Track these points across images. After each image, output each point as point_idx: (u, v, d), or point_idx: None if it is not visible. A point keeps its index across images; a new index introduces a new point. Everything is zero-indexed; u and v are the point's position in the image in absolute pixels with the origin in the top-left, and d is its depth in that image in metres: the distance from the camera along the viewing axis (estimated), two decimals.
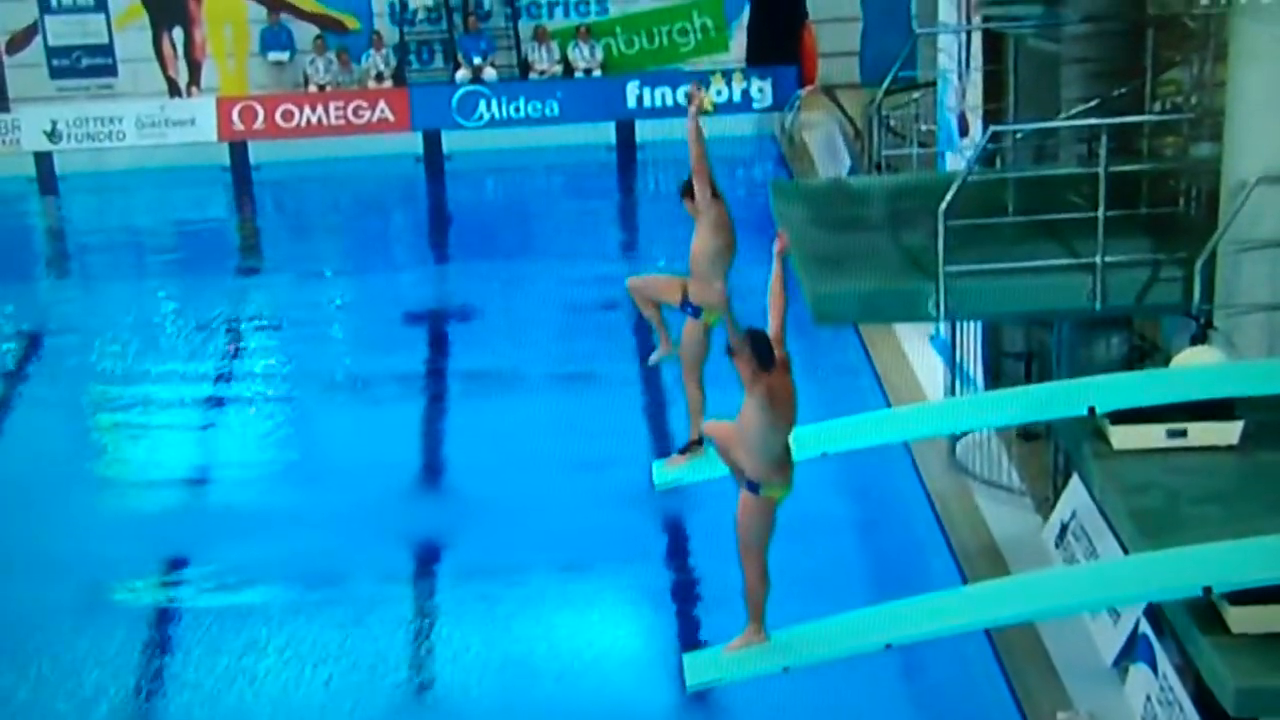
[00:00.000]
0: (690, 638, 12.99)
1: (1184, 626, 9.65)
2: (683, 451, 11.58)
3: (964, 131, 15.52)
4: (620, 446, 16.15)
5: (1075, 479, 12.59)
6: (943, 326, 15.10)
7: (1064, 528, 12.70)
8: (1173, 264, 11.79)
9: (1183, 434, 11.04)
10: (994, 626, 10.77)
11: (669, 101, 24.91)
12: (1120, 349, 13.44)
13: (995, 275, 11.95)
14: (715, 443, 10.13)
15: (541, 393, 17.70)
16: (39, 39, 26.22)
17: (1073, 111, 12.97)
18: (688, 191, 11.47)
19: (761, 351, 9.49)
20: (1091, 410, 11.17)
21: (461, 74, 25.65)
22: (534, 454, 16.03)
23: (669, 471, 11.65)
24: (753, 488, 9.59)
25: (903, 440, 13.46)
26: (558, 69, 25.97)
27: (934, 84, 17.15)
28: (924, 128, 18.13)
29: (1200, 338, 11.64)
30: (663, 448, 16.05)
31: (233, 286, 21.62)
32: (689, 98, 11.60)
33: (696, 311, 11.43)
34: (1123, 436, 11.33)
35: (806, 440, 11.14)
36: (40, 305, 21.54)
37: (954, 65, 15.81)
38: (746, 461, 9.60)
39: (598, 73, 25.95)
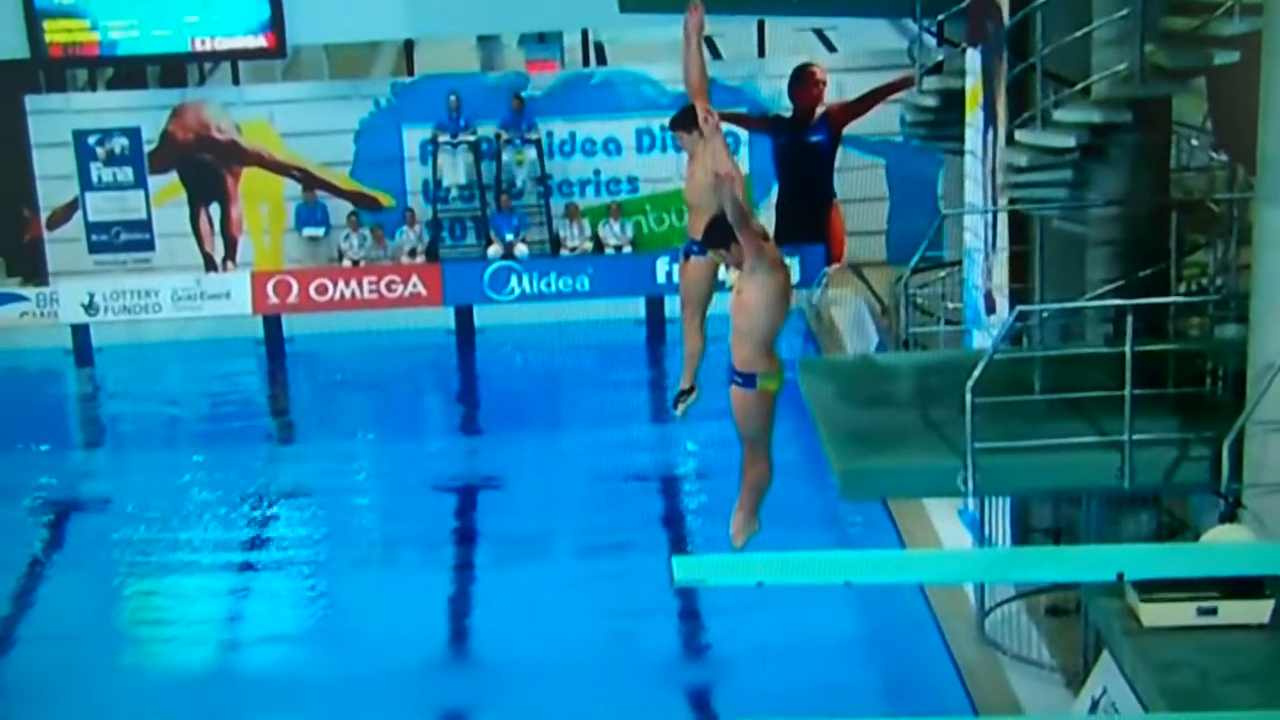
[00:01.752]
0: None
1: None
2: (676, 402, 11.17)
3: (990, 310, 15.69)
4: (648, 617, 16.21)
5: (1106, 655, 12.58)
6: (971, 502, 15.15)
7: (1095, 704, 12.66)
8: (1201, 443, 11.86)
9: (1213, 612, 11.05)
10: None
11: None
12: (1149, 526, 13.51)
13: (1024, 452, 12.04)
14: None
15: (569, 563, 17.79)
16: (79, 215, 26.65)
17: (1098, 291, 13.15)
18: (682, 122, 10.51)
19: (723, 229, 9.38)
20: (1120, 576, 11.16)
21: (494, 250, 26.00)
22: (561, 625, 16.10)
23: (687, 571, 11.21)
24: (749, 381, 9.50)
25: (925, 581, 13.33)
26: (588, 246, 26.31)
27: (960, 263, 17.35)
28: (951, 305, 18.31)
29: (1229, 516, 11.69)
30: (691, 623, 16.13)
31: (265, 457, 21.80)
32: (691, 9, 10.32)
33: (701, 249, 10.55)
34: (1153, 614, 11.35)
35: (831, 566, 11.17)
36: (75, 475, 21.72)
37: (980, 245, 16.02)
38: (743, 351, 9.50)
39: (628, 249, 26.29)
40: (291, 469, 21.24)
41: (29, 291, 25.52)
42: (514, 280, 25.38)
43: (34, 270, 26.48)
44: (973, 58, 15.67)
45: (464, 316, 25.58)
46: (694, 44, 10.27)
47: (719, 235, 9.53)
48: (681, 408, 11.04)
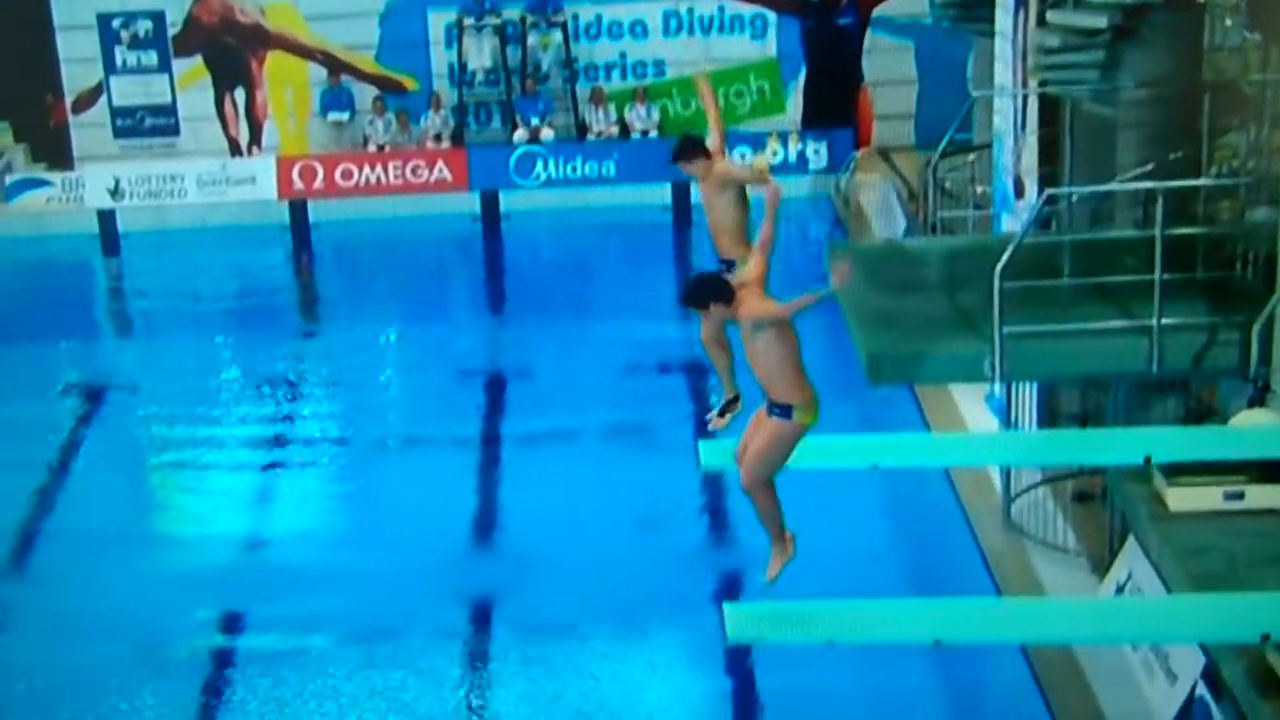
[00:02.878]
0: (745, 698, 13.01)
1: (1243, 690, 9.62)
2: (722, 413, 10.98)
3: (1019, 194, 15.55)
4: (675, 505, 16.22)
5: (1132, 540, 12.55)
6: (999, 388, 15.09)
7: (1120, 589, 12.64)
8: (1230, 327, 11.78)
9: (1240, 496, 11.01)
10: (1044, 643, 10.65)
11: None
12: (1176, 412, 13.42)
13: (1052, 337, 11.96)
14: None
15: (596, 451, 17.76)
16: (104, 99, 26.55)
17: (1128, 175, 13.01)
18: (691, 152, 11.15)
19: (718, 289, 9.36)
20: (1148, 460, 11.13)
21: (519, 135, 25.85)
22: (588, 512, 16.09)
23: (713, 455, 11.20)
24: (786, 412, 9.32)
25: (953, 465, 13.25)
26: (614, 130, 26.14)
27: (989, 147, 17.18)
28: (979, 190, 18.17)
29: (1258, 401, 11.62)
30: (717, 505, 16.15)
31: (290, 344, 21.78)
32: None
33: (730, 265, 10.91)
34: (1179, 498, 11.31)
35: (860, 450, 11.15)
36: (101, 362, 21.75)
37: (1010, 128, 15.85)
38: (783, 389, 9.33)
39: (654, 134, 26.11)
40: (317, 355, 21.23)
41: (54, 176, 25.49)
42: (539, 165, 25.25)
43: (59, 155, 26.44)
44: None
45: (489, 202, 25.49)
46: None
47: (699, 296, 9.49)
48: (726, 419, 10.78)
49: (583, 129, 26.24)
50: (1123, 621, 10.12)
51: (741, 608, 9.86)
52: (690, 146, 11.21)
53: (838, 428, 17.40)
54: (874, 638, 9.41)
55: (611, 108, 26.15)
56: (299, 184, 25.27)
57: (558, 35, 26.10)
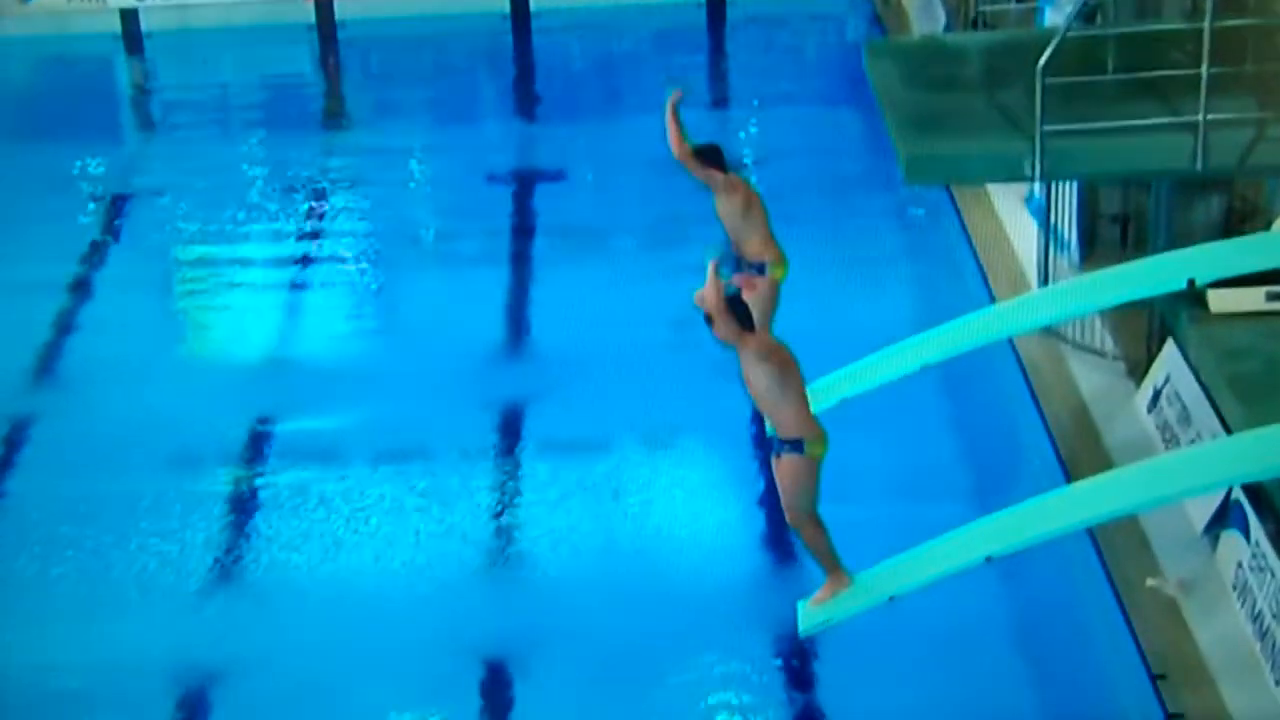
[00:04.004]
0: (775, 513, 12.93)
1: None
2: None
3: None
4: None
5: (1170, 344, 12.39)
6: (1039, 188, 14.82)
7: (1157, 393, 12.50)
8: (1278, 123, 11.48)
9: None
10: (1094, 524, 10.53)
11: None
12: (1220, 211, 13.19)
13: (1094, 135, 11.67)
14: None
15: (628, 253, 17.57)
16: None
17: None
18: (708, 161, 11.77)
19: (741, 314, 9.32)
20: (1191, 283, 10.94)
21: None
22: (621, 317, 15.95)
23: None
24: (796, 447, 9.28)
25: (1001, 338, 13.04)
26: None
27: None
28: None
29: None
30: None
31: (317, 146, 21.51)
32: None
33: (761, 268, 11.74)
34: (1220, 300, 11.13)
35: (907, 353, 11.00)
36: (125, 164, 21.52)
37: None
38: (782, 419, 9.30)
39: None
40: (345, 157, 20.94)
41: None
42: None
43: None
44: None
45: (519, 1, 25.01)
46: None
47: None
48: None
49: None
50: (1169, 482, 9.83)
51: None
52: (710, 155, 11.73)
53: (875, 232, 17.39)
54: (931, 578, 9.35)
55: None
56: None
57: None
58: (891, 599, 9.44)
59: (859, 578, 9.61)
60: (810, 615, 9.65)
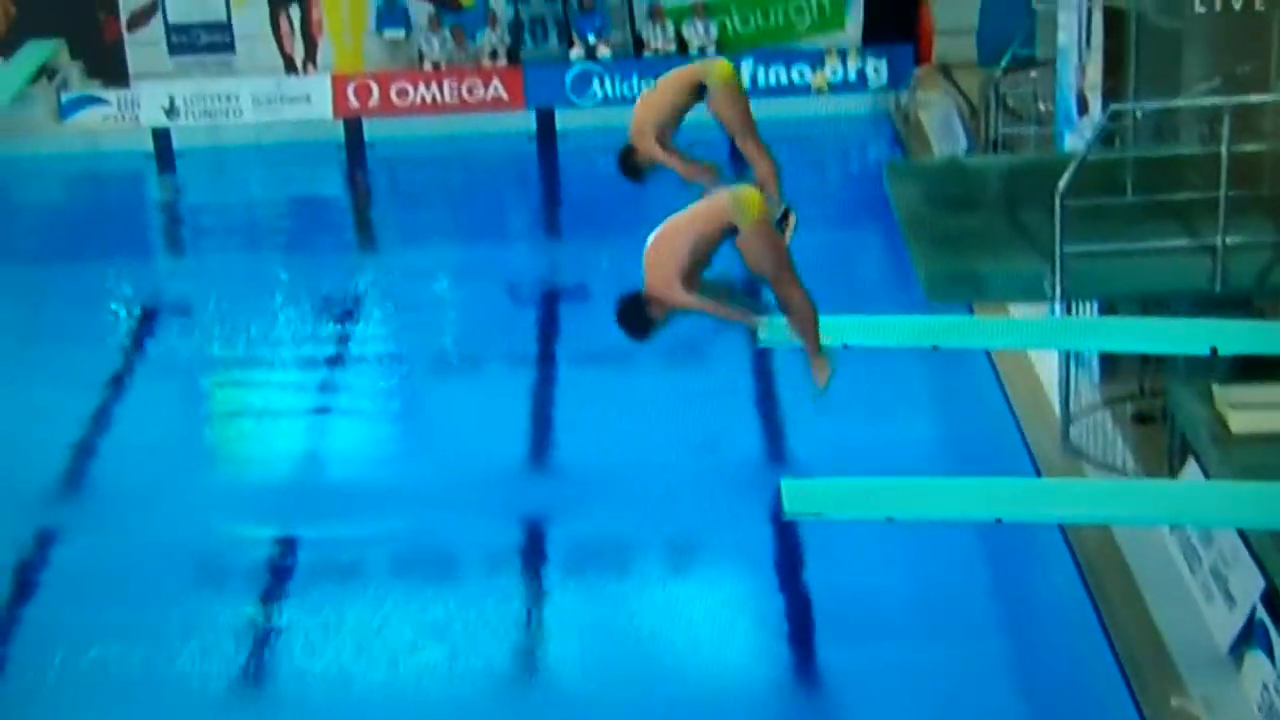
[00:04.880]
0: (800, 618, 12.94)
1: None
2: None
3: (1083, 110, 15.30)
4: (729, 424, 16.12)
5: (1192, 463, 12.40)
6: (1059, 308, 14.89)
7: None
8: None
9: None
10: (1107, 522, 10.52)
11: (783, 80, 24.80)
12: None
13: (1113, 256, 11.79)
14: None
15: (651, 371, 17.63)
16: (159, 16, 26.46)
17: (1195, 90, 12.78)
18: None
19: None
20: (1214, 351, 10.90)
21: (576, 52, 25.64)
22: (643, 433, 16.01)
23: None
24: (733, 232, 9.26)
25: (1008, 346, 13.01)
26: (672, 47, 25.88)
27: (1053, 62, 16.91)
28: (1042, 107, 17.91)
29: None
30: (772, 424, 16.04)
31: (346, 263, 21.71)
32: None
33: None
34: (1242, 421, 11.15)
35: (916, 330, 10.96)
36: (156, 280, 21.76)
37: (1073, 43, 15.58)
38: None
39: (712, 50, 25.81)
40: (372, 274, 21.16)
41: (109, 94, 25.43)
42: (596, 83, 25.05)
43: (114, 73, 26.37)
44: None
45: (545, 120, 25.30)
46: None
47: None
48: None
49: (640, 46, 26.00)
50: (1189, 503, 9.92)
51: (800, 482, 9.73)
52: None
53: (898, 351, 17.34)
54: (934, 514, 9.27)
55: (669, 24, 25.88)
56: (354, 102, 25.16)
57: None
58: (890, 520, 9.32)
59: (865, 483, 9.49)
60: (798, 500, 9.51)
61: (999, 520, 9.29)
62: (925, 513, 9.43)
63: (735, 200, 9.21)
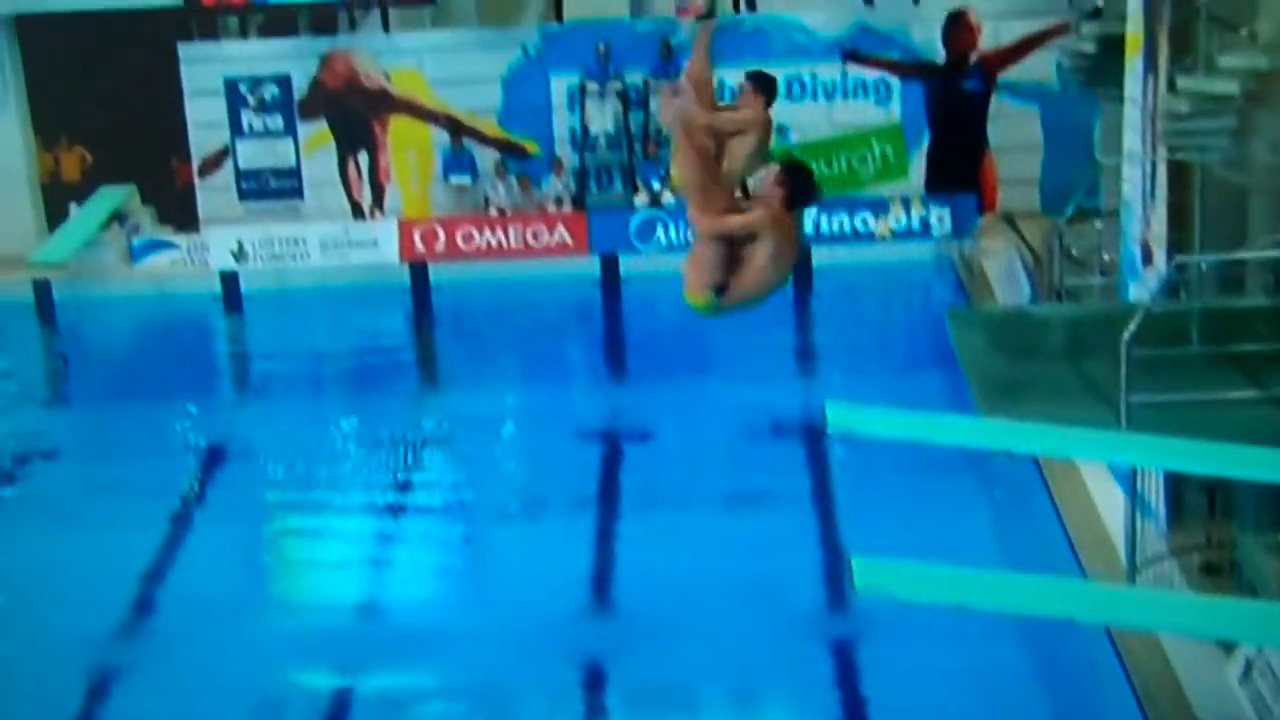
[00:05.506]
0: None
1: None
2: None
3: (1147, 261, 15.31)
4: (791, 571, 16.06)
5: None
6: None
7: (1249, 664, 12.35)
8: None
9: None
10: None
11: (846, 228, 24.93)
12: None
13: (1179, 407, 11.73)
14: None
15: (713, 515, 17.64)
16: (230, 162, 26.90)
17: (1260, 242, 12.78)
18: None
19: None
20: None
21: (640, 199, 25.87)
22: (704, 578, 15.96)
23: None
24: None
25: (1074, 456, 12.85)
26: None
27: (1116, 213, 16.95)
28: (1106, 257, 17.92)
29: None
30: (835, 570, 15.96)
31: (409, 405, 21.83)
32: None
33: None
34: None
35: (974, 432, 10.84)
36: (221, 421, 21.90)
37: (1138, 195, 15.62)
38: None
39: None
40: (437, 417, 21.26)
41: (179, 239, 25.78)
42: (660, 229, 25.24)
43: (184, 217, 26.79)
44: (1134, 2, 15.26)
45: (610, 265, 25.49)
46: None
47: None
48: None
49: None
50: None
51: (871, 560, 9.64)
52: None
53: (960, 491, 17.35)
54: (1005, 605, 9.16)
55: None
56: (420, 247, 25.41)
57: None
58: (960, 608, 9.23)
59: (937, 569, 9.40)
60: (869, 576, 9.38)
61: (1072, 620, 9.26)
62: (996, 602, 9.34)
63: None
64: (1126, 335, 11.57)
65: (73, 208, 26.41)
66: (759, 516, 17.04)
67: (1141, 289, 15.08)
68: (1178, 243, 14.51)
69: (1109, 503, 15.71)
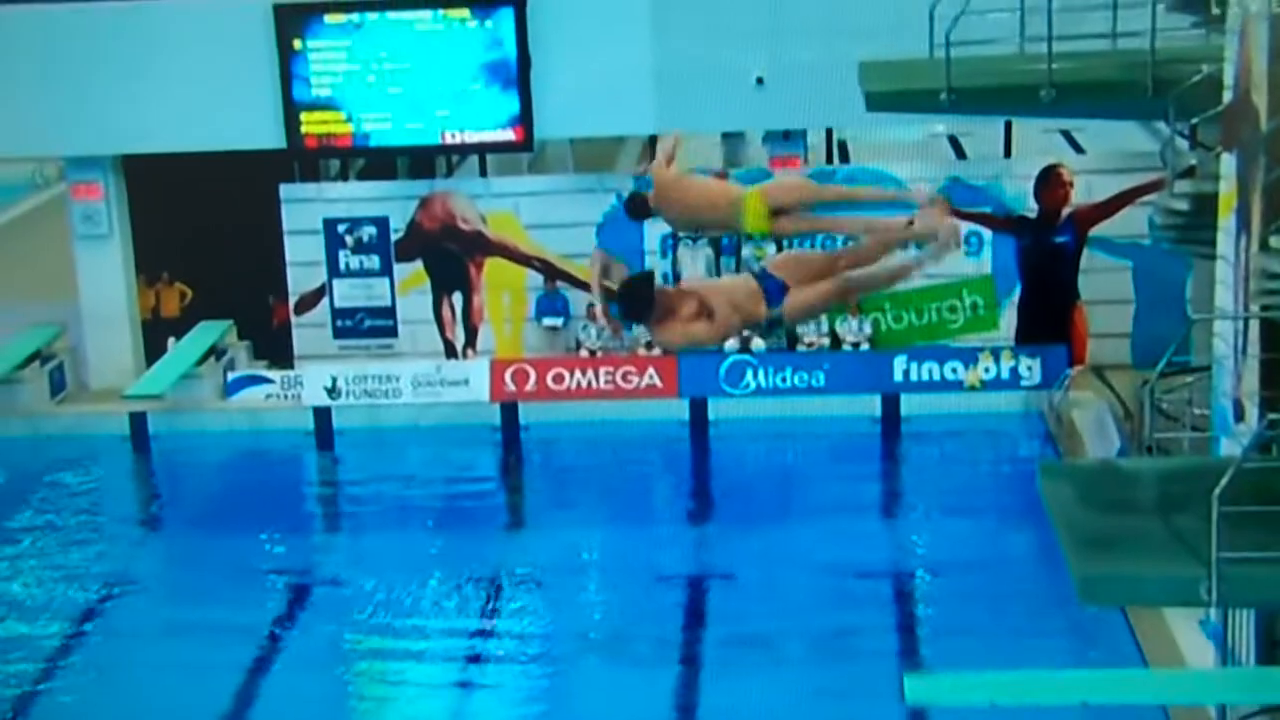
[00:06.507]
0: None
1: None
2: None
3: (1239, 418, 15.23)
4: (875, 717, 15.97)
5: None
6: (1214, 613, 14.69)
7: None
8: None
9: None
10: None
11: (936, 376, 24.94)
12: None
13: (1272, 564, 11.63)
14: None
15: (798, 661, 17.58)
16: (326, 301, 27.28)
17: None
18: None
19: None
20: None
21: (730, 344, 25.99)
22: None
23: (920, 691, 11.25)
24: None
25: (1168, 702, 12.90)
26: (825, 342, 26.19)
27: (1208, 369, 16.89)
28: (1197, 412, 17.83)
29: None
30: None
31: (495, 544, 21.94)
32: None
33: None
34: None
35: (1068, 685, 10.89)
36: (309, 556, 22.09)
37: (1230, 351, 15.57)
38: None
39: (865, 346, 26.12)
40: (523, 556, 21.33)
41: (274, 374, 26.12)
42: (750, 374, 25.34)
43: (279, 353, 27.16)
44: (1228, 162, 15.31)
45: (698, 409, 25.58)
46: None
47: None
48: None
49: (793, 340, 26.33)
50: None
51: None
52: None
53: (1047, 649, 17.22)
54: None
55: (824, 319, 26.23)
56: (511, 386, 25.62)
57: (772, 248, 26.32)
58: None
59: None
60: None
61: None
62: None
63: None
64: (1218, 491, 11.50)
65: (171, 342, 26.83)
66: (843, 662, 16.95)
67: (1233, 444, 15.00)
68: (1271, 399, 14.44)
69: (1198, 657, 15.56)
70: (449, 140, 25.96)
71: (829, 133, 28.12)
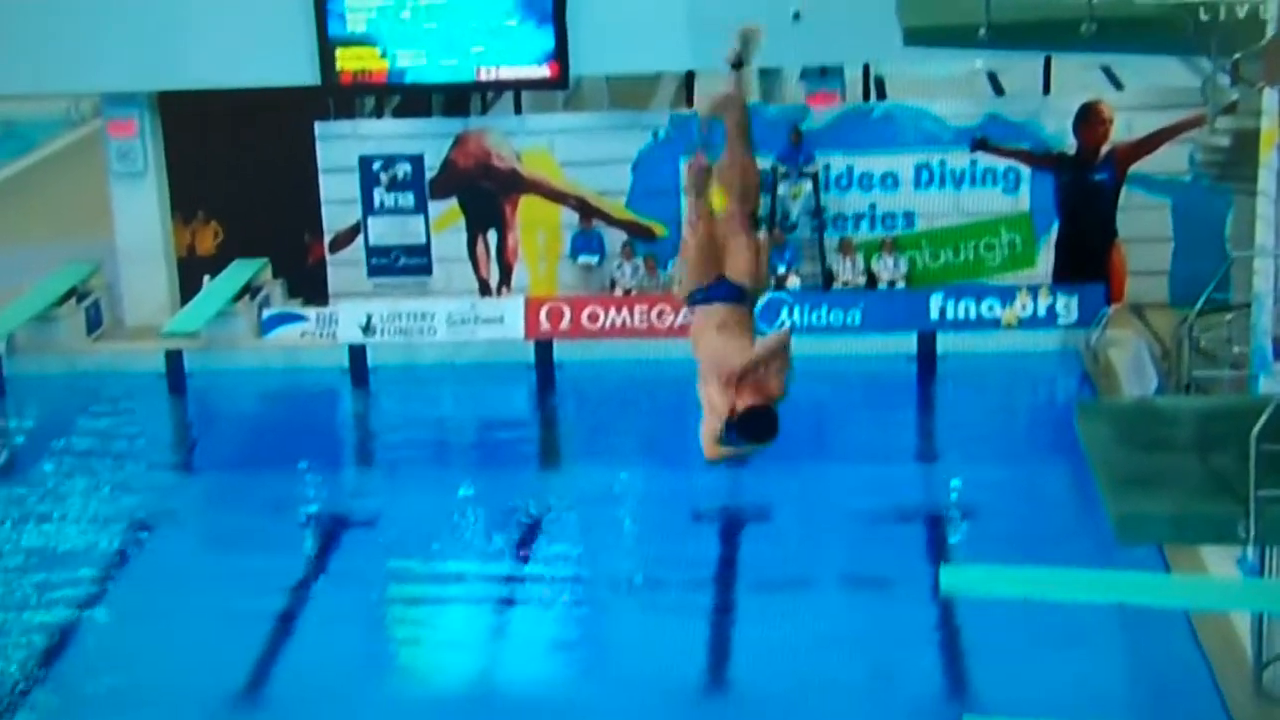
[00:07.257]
0: None
1: None
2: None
3: (1279, 355, 15.13)
4: (909, 656, 15.96)
5: None
6: (1251, 551, 14.63)
7: None
8: None
9: None
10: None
11: (972, 315, 24.82)
12: None
13: None
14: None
15: (831, 600, 17.58)
16: (360, 238, 27.25)
17: None
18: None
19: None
20: None
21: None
22: (821, 665, 15.90)
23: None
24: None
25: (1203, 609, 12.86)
26: (861, 280, 26.09)
27: (1247, 306, 16.77)
28: (1236, 350, 17.70)
29: None
30: (953, 661, 15.82)
31: (530, 483, 21.94)
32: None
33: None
34: None
35: (1101, 585, 10.84)
36: (345, 492, 22.15)
37: (1269, 289, 15.46)
38: None
39: (901, 285, 26.00)
40: (557, 493, 21.34)
41: (309, 312, 26.12)
42: (785, 313, 25.25)
43: (314, 291, 27.15)
44: (1270, 97, 15.16)
45: None
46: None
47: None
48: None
49: (829, 278, 26.24)
50: None
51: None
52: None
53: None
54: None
55: (859, 257, 26.11)
56: (546, 325, 25.59)
57: (808, 185, 26.20)
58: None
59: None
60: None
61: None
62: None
63: None
64: (1256, 429, 11.43)
65: (206, 280, 26.85)
66: (876, 601, 16.94)
67: (1272, 383, 14.91)
68: None
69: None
70: (484, 77, 25.83)
71: (866, 69, 27.91)
